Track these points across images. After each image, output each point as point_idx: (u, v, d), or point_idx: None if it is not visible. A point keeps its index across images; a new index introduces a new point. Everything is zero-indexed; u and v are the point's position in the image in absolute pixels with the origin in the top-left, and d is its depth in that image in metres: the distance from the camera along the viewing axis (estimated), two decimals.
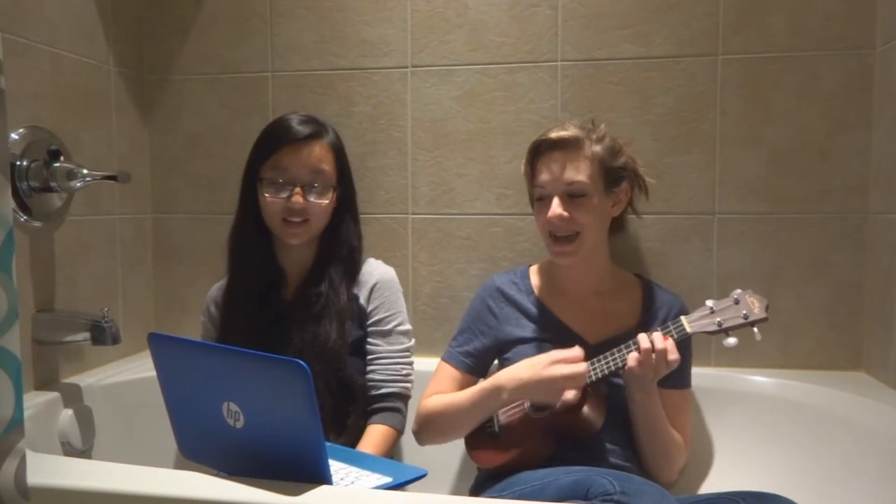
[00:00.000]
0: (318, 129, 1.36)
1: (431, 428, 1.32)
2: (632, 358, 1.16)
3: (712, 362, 1.52)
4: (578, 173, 1.25)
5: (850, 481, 1.21)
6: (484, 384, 1.25)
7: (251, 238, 1.39)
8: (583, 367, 1.15)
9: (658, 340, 1.15)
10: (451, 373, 1.37)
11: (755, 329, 1.16)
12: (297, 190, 1.32)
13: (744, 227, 1.53)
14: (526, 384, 1.17)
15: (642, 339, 1.16)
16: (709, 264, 1.54)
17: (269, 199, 1.33)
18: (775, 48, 1.49)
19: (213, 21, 1.72)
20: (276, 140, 1.34)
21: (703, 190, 1.54)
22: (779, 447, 1.36)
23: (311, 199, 1.33)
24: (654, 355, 1.15)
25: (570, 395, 1.18)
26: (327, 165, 1.36)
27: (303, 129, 1.34)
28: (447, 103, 1.63)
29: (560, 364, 1.16)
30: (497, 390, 1.21)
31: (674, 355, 1.15)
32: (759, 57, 1.50)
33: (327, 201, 1.35)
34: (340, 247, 1.40)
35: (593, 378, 1.19)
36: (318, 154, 1.35)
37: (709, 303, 1.19)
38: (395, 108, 1.65)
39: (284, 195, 1.32)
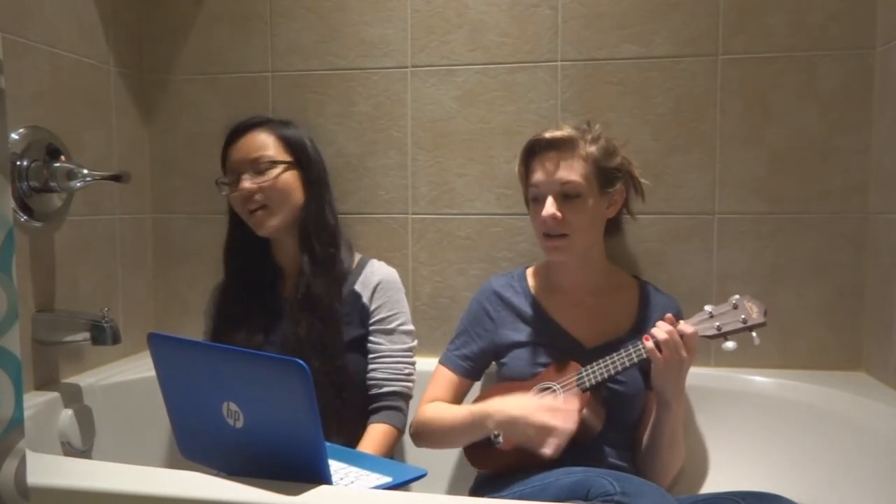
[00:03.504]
0: (259, 120, 1.42)
1: (425, 437, 1.33)
2: (658, 354, 1.14)
3: (712, 362, 1.52)
4: (572, 173, 1.25)
5: (850, 481, 1.21)
6: (474, 408, 1.24)
7: (242, 244, 1.43)
8: (571, 425, 1.11)
9: (666, 325, 1.15)
10: (448, 376, 1.37)
11: (754, 334, 1.16)
12: (244, 176, 1.36)
13: (744, 227, 1.53)
14: (512, 421, 1.16)
15: (656, 331, 1.15)
16: (709, 264, 1.54)
17: (230, 196, 1.39)
18: (775, 48, 1.49)
19: (213, 21, 1.72)
20: (226, 142, 1.42)
21: (703, 190, 1.54)
22: (779, 447, 1.36)
23: (257, 180, 1.36)
24: (672, 339, 1.14)
25: (549, 448, 1.11)
26: (269, 149, 1.39)
27: (241, 125, 1.41)
28: (447, 103, 1.63)
29: (552, 413, 1.13)
30: (484, 418, 1.20)
31: (689, 329, 1.15)
32: (759, 57, 1.50)
33: (273, 178, 1.36)
34: (314, 233, 1.39)
35: (592, 382, 1.19)
36: (257, 139, 1.39)
37: (707, 307, 1.20)
38: (395, 108, 1.65)
39: (235, 186, 1.37)
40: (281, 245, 1.43)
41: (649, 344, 1.16)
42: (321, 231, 1.40)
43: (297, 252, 1.41)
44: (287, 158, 1.39)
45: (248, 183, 1.35)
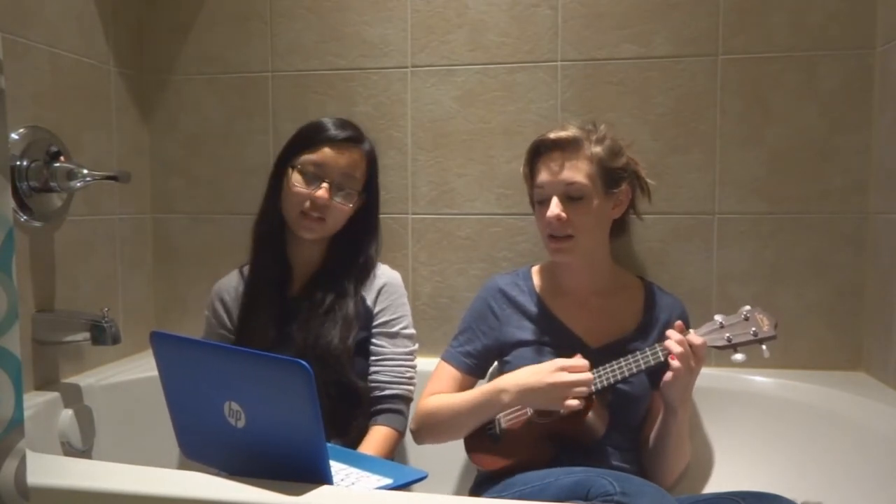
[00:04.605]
0: (357, 135, 1.40)
1: (430, 428, 1.32)
2: (675, 366, 1.13)
3: (712, 362, 1.51)
4: (577, 174, 1.25)
5: (850, 481, 1.21)
6: (485, 387, 1.25)
7: (272, 227, 1.41)
8: (587, 375, 1.15)
9: (677, 335, 1.15)
10: (450, 373, 1.37)
11: (764, 347, 1.16)
12: (325, 185, 1.34)
13: (744, 227, 1.53)
14: (529, 389, 1.17)
15: (671, 345, 1.14)
16: (709, 264, 1.54)
17: (296, 188, 1.35)
18: (775, 48, 1.49)
19: (213, 21, 1.72)
20: (316, 138, 1.37)
21: (703, 190, 1.54)
22: (779, 447, 1.36)
23: (336, 199, 1.35)
24: (685, 351, 1.13)
25: (573, 402, 1.14)
26: (359, 173, 1.39)
27: (343, 132, 1.38)
28: (447, 103, 1.63)
29: (565, 371, 1.15)
30: (498, 393, 1.21)
31: (698, 340, 1.14)
32: (759, 57, 1.50)
33: (350, 206, 1.37)
34: (357, 255, 1.42)
35: (599, 387, 1.18)
36: (355, 159, 1.38)
37: (718, 317, 1.18)
38: (395, 108, 1.65)
39: (311, 187, 1.34)
40: (300, 244, 1.41)
41: (675, 363, 1.13)
42: (368, 257, 1.43)
43: (316, 257, 1.42)
44: (362, 186, 1.41)
45: (326, 194, 1.33)
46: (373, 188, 1.45)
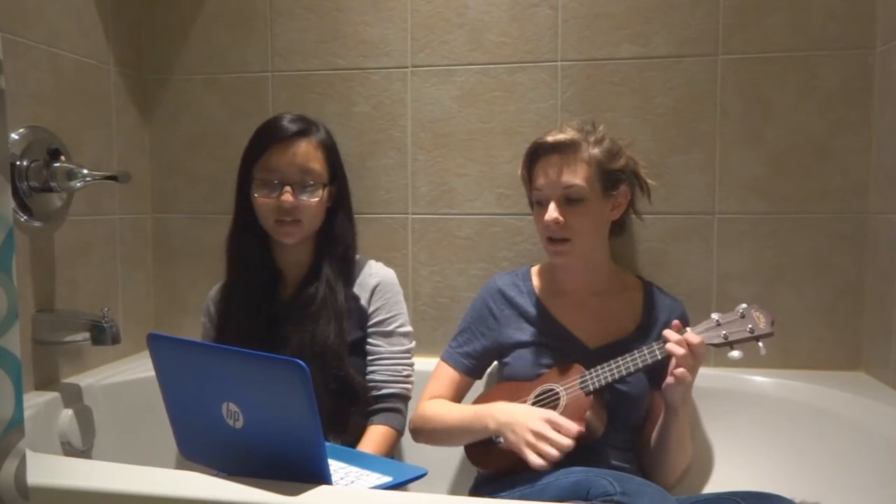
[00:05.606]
0: (305, 127, 1.36)
1: (426, 434, 1.33)
2: (679, 370, 1.12)
3: (712, 362, 1.52)
4: (575, 177, 1.25)
5: (850, 481, 1.21)
6: (477, 408, 1.24)
7: (248, 240, 1.39)
8: (568, 442, 1.10)
9: (675, 335, 1.14)
10: (450, 373, 1.37)
11: (760, 344, 1.15)
12: (287, 189, 1.32)
13: (744, 227, 1.53)
14: (511, 424, 1.15)
15: (672, 347, 1.13)
16: (709, 264, 1.54)
17: (261, 199, 1.34)
18: (775, 48, 1.49)
19: (213, 21, 1.72)
20: (264, 140, 1.35)
21: (703, 190, 1.54)
22: (779, 447, 1.36)
23: (302, 197, 1.33)
24: (686, 351, 1.12)
25: (536, 460, 1.10)
26: (317, 164, 1.35)
27: (290, 127, 1.34)
28: (447, 103, 1.63)
29: (552, 425, 1.12)
30: (485, 418, 1.20)
31: (696, 339, 1.13)
32: (759, 57, 1.50)
33: (318, 199, 1.35)
34: (336, 245, 1.40)
35: (598, 385, 1.18)
36: (307, 152, 1.34)
37: (714, 315, 1.18)
38: (395, 108, 1.65)
39: (275, 194, 1.32)
40: (285, 248, 1.40)
41: (679, 370, 1.12)
42: (347, 245, 1.41)
43: (305, 258, 1.40)
44: (328, 177, 1.38)
45: (290, 197, 1.31)
46: (339, 176, 1.41)
